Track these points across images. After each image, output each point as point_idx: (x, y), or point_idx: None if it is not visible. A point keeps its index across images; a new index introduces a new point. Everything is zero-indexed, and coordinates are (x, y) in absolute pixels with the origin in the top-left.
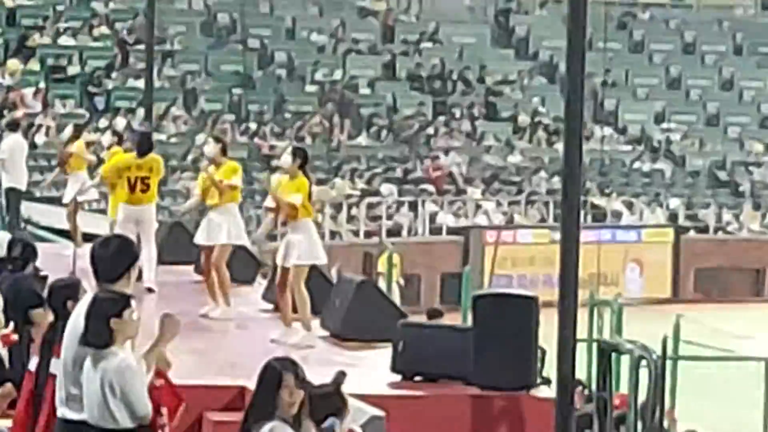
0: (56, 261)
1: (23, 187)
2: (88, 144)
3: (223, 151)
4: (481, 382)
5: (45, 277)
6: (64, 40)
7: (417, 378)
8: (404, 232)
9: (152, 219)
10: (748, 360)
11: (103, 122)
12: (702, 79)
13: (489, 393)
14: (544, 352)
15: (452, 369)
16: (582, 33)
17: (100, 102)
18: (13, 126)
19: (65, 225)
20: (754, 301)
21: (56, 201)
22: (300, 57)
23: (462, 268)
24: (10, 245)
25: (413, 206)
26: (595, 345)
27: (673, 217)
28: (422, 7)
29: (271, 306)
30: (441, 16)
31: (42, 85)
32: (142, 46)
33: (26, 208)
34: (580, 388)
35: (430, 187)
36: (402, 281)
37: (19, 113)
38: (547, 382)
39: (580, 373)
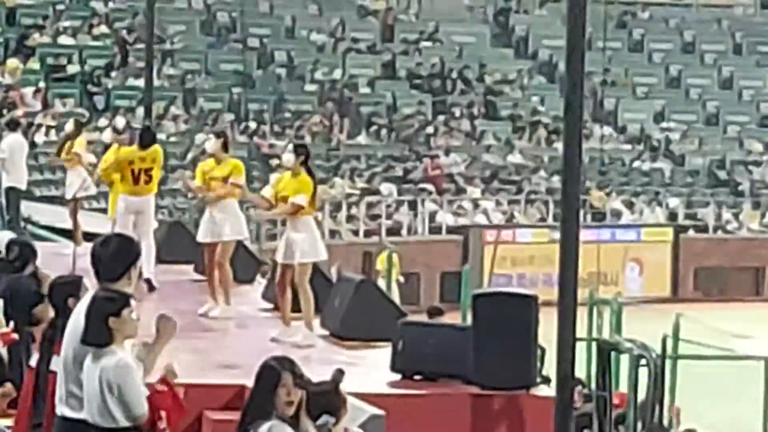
0: (56, 260)
1: (23, 187)
2: (89, 142)
3: (225, 147)
4: (481, 381)
5: (45, 277)
6: (64, 40)
7: (416, 377)
8: (404, 231)
9: (152, 209)
10: (748, 359)
11: (102, 121)
12: (701, 78)
13: (489, 392)
14: (543, 351)
15: (452, 368)
16: (581, 32)
17: (99, 101)
18: (13, 125)
19: (65, 224)
20: (754, 300)
21: (56, 200)
22: (300, 56)
23: (461, 267)
24: (8, 247)
25: (413, 205)
26: (594, 344)
27: (672, 216)
28: (422, 6)
29: (270, 305)
30: (440, 16)
31: (42, 84)
32: (141, 45)
33: (26, 208)
34: (579, 387)
35: (430, 187)
36: (402, 279)
37: (18, 112)
38: (546, 381)
39: (580, 372)
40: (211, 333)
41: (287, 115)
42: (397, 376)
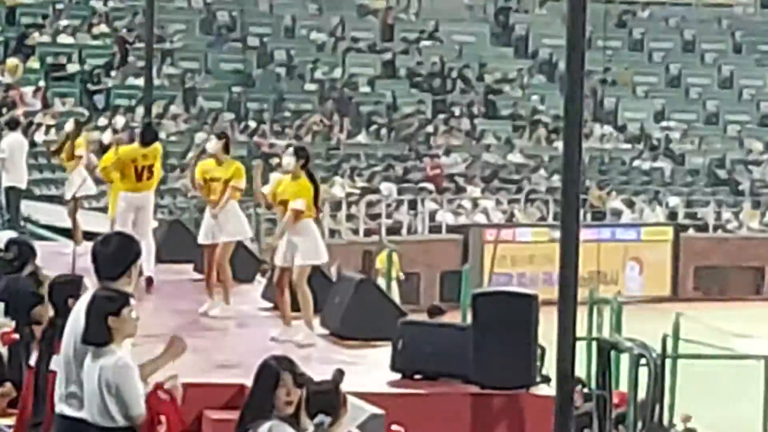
0: (56, 259)
1: (23, 186)
2: (89, 142)
3: (226, 149)
4: (481, 381)
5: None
6: (64, 39)
7: (416, 376)
8: (404, 231)
9: (152, 206)
10: (748, 358)
11: (102, 120)
12: (701, 78)
13: (489, 391)
14: (543, 351)
15: (452, 367)
16: (581, 31)
17: (99, 100)
18: (13, 124)
19: (65, 223)
20: (754, 299)
21: (56, 199)
22: (299, 55)
23: (461, 267)
24: (7, 246)
25: (413, 204)
26: (594, 343)
27: (672, 215)
28: (422, 5)
29: (270, 304)
30: (440, 15)
31: (41, 83)
32: (141, 45)
33: (26, 207)
34: (579, 386)
35: (430, 186)
36: (402, 275)
37: (18, 111)
38: (546, 380)
39: (580, 372)
40: (210, 332)
41: (287, 114)
42: (397, 376)
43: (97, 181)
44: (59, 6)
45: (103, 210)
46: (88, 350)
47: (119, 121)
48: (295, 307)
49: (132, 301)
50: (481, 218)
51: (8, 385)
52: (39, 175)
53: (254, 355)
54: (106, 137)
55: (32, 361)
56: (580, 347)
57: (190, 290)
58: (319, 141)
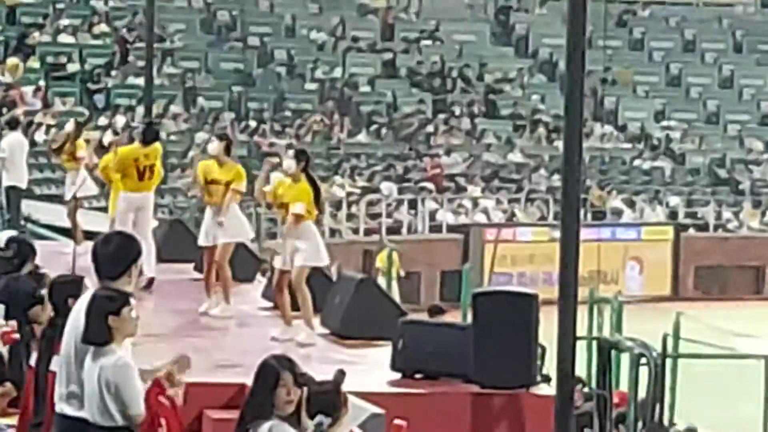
0: (56, 259)
1: (24, 185)
2: (88, 141)
3: (227, 150)
4: (481, 380)
5: (44, 275)
6: (64, 38)
7: (417, 376)
8: (404, 230)
9: (152, 206)
10: (748, 358)
11: (102, 120)
12: (702, 77)
13: (489, 391)
14: (544, 350)
15: (452, 367)
16: (582, 31)
17: (99, 100)
18: (13, 124)
19: (65, 223)
20: (754, 298)
21: (56, 199)
22: (300, 55)
23: (462, 266)
24: (7, 245)
25: (413, 204)
26: (595, 343)
27: (673, 215)
28: (422, 4)
29: (271, 304)
30: (441, 14)
31: (42, 83)
32: (141, 44)
33: (26, 206)
34: (580, 385)
35: (430, 185)
36: (403, 272)
37: (19, 111)
38: (547, 379)
39: (580, 371)
40: (211, 332)
41: (287, 113)
42: (398, 375)
43: (97, 181)
44: (59, 5)
45: (104, 210)
46: (88, 350)
47: (119, 120)
48: (295, 307)
49: (132, 300)
50: (481, 218)
51: (8, 384)
52: (39, 174)
53: (254, 354)
54: (107, 137)
55: (32, 361)
56: (581, 347)
57: (191, 290)
58: (319, 140)
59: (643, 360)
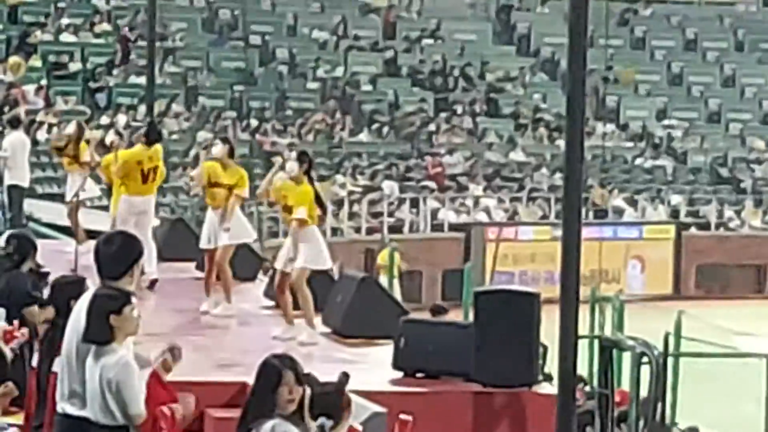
0: (58, 258)
1: (26, 184)
2: (89, 141)
3: (230, 153)
4: (483, 379)
5: (46, 274)
6: (66, 37)
7: (418, 374)
8: (406, 229)
9: (153, 207)
10: (750, 356)
11: (104, 119)
12: (703, 76)
13: (490, 389)
14: (545, 349)
15: (454, 366)
16: (583, 29)
17: (101, 99)
18: (15, 123)
19: (67, 222)
20: (756, 297)
21: (58, 198)
22: (301, 54)
23: (463, 265)
24: (7, 241)
25: (415, 203)
26: (596, 342)
27: (674, 213)
28: (424, 3)
29: (272, 303)
30: (442, 13)
31: (44, 81)
32: (143, 43)
33: (28, 205)
34: (581, 384)
35: (432, 184)
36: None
37: (20, 110)
38: (548, 378)
39: (582, 370)
40: (212, 330)
41: (289, 112)
42: (399, 374)
43: (98, 180)
44: (61, 4)
45: (105, 208)
46: (89, 349)
47: (121, 119)
48: (297, 306)
49: (133, 299)
50: (483, 216)
51: (10, 384)
52: (41, 173)
53: (256, 353)
54: (109, 136)
55: (34, 362)
56: (582, 345)
57: (192, 289)
58: (321, 139)
59: (645, 359)
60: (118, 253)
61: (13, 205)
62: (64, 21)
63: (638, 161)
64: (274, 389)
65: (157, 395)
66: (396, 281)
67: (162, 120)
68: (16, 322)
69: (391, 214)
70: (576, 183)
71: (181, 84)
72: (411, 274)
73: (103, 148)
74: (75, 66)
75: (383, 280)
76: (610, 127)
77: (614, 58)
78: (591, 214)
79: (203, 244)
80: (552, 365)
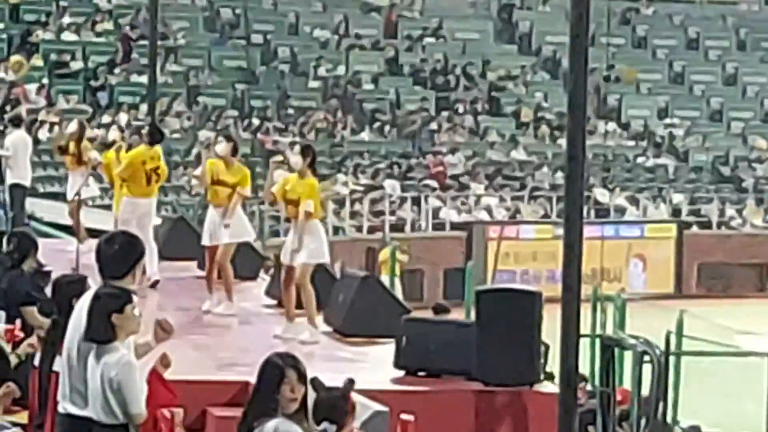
0: (60, 257)
1: (27, 183)
2: (91, 140)
3: (234, 151)
4: (485, 378)
5: (48, 273)
6: (67, 36)
7: (420, 373)
8: (407, 228)
9: (155, 209)
10: (752, 355)
11: (106, 118)
12: (705, 75)
13: (492, 388)
14: (547, 348)
15: (455, 364)
16: (585, 28)
17: (103, 98)
18: (17, 122)
19: (69, 221)
20: (758, 296)
21: (60, 197)
22: (303, 52)
23: (465, 264)
24: (8, 239)
25: (416, 202)
26: (598, 340)
27: (676, 212)
28: (425, 2)
29: (274, 301)
30: (444, 12)
31: (45, 80)
32: (145, 42)
33: (30, 204)
34: (583, 383)
35: (434, 183)
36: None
37: (22, 109)
38: (550, 377)
39: (584, 369)
40: (214, 329)
41: (291, 111)
42: (401, 373)
43: (99, 179)
44: (63, 3)
45: (107, 207)
46: (91, 348)
47: (122, 118)
48: (299, 305)
49: (135, 298)
50: (484, 215)
51: (12, 385)
52: (43, 172)
53: (257, 352)
54: (112, 134)
55: (36, 361)
56: (584, 344)
57: (194, 287)
58: (322, 138)
59: (647, 358)
60: (119, 253)
61: (15, 204)
62: (66, 20)
63: (640, 160)
64: (276, 388)
65: (158, 394)
66: (397, 280)
67: (163, 119)
68: (18, 322)
69: (392, 213)
70: (577, 182)
71: (182, 83)
72: (412, 273)
73: (105, 147)
74: (76, 65)
75: (385, 278)
76: (612, 125)
77: (616, 56)
78: (593, 212)
79: (204, 241)
80: (553, 364)
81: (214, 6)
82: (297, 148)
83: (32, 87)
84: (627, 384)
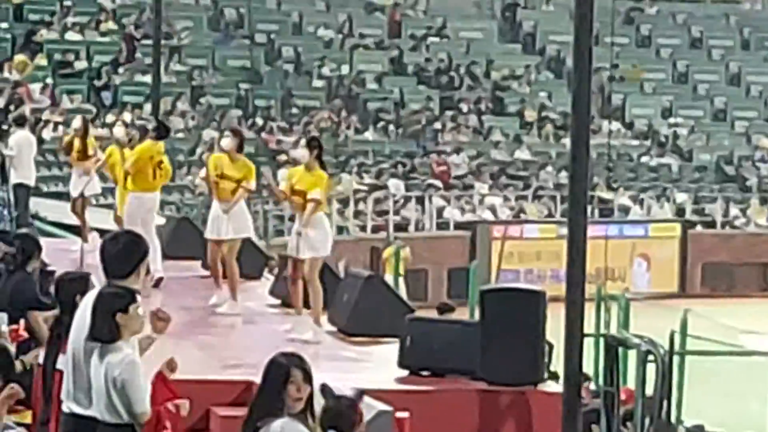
0: (64, 256)
1: (32, 183)
2: (98, 138)
3: (240, 147)
4: (489, 377)
5: (52, 273)
6: (71, 36)
7: (424, 373)
8: (411, 227)
9: (158, 205)
10: (756, 355)
11: (110, 117)
12: (709, 74)
13: (496, 388)
14: (551, 347)
15: (459, 364)
16: (589, 27)
17: (107, 97)
18: (21, 121)
19: (73, 220)
20: (762, 295)
21: (64, 196)
22: (307, 52)
23: (469, 263)
24: (12, 241)
25: (420, 201)
26: (602, 340)
27: (680, 211)
28: (429, 2)
29: (278, 301)
30: (448, 11)
31: (49, 80)
32: (149, 41)
33: (34, 204)
34: (587, 383)
35: (438, 182)
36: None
37: (26, 109)
38: (554, 376)
39: (588, 368)
40: (218, 329)
41: (295, 111)
42: (405, 372)
43: (102, 177)
44: (67, 3)
45: (110, 206)
46: (95, 347)
47: (126, 117)
48: (306, 302)
49: (139, 297)
50: (488, 215)
51: (16, 386)
52: (47, 171)
53: (261, 351)
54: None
55: (40, 359)
56: (588, 344)
57: (198, 287)
58: (326, 138)
59: (651, 357)
60: (123, 253)
61: (19, 204)
62: (70, 19)
63: (644, 159)
64: (281, 387)
65: (162, 395)
66: (401, 279)
67: (167, 118)
68: (22, 322)
69: (396, 213)
70: (581, 181)
71: (186, 82)
72: (417, 273)
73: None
74: (80, 64)
75: (389, 277)
76: (616, 125)
77: (620, 56)
78: (596, 212)
79: (207, 234)
80: (558, 363)
81: (218, 5)
82: (303, 140)
83: (36, 86)
84: (631, 383)
